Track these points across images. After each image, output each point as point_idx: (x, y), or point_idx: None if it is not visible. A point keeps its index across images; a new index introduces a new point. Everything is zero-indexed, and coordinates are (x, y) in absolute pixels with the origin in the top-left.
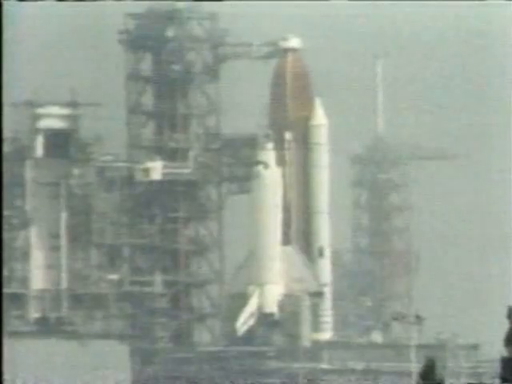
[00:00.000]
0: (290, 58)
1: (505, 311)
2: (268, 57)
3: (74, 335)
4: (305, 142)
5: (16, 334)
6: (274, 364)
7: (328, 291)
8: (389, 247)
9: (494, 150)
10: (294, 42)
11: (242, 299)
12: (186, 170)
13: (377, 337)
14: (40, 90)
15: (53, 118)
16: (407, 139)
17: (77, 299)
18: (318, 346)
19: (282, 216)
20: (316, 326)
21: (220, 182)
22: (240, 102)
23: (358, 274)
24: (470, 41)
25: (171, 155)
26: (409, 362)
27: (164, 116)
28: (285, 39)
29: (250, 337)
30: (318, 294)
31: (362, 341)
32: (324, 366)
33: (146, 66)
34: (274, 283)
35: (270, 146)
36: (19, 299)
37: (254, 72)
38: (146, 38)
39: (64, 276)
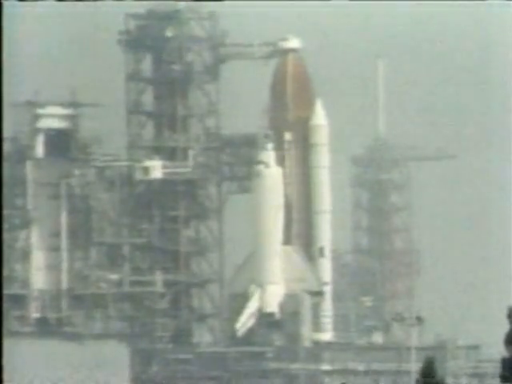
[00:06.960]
0: (290, 58)
1: (505, 311)
2: (268, 57)
3: (74, 335)
4: (305, 142)
5: (16, 335)
6: (274, 364)
7: (328, 291)
8: (389, 247)
9: (494, 149)
10: (294, 43)
11: (242, 299)
12: (185, 170)
13: (377, 338)
14: (40, 90)
15: (53, 118)
16: (407, 139)
17: (77, 299)
18: (319, 347)
19: (282, 216)
20: (316, 327)
21: (220, 181)
22: (240, 102)
23: (358, 273)
24: (470, 41)
25: (171, 155)
26: (409, 362)
27: (164, 116)
28: (285, 39)
29: (250, 337)
30: (319, 294)
31: (363, 342)
32: (324, 366)
33: (146, 66)
34: (275, 283)
35: (270, 146)
36: (19, 300)
37: (254, 72)
38: (146, 39)
39: (64, 276)
